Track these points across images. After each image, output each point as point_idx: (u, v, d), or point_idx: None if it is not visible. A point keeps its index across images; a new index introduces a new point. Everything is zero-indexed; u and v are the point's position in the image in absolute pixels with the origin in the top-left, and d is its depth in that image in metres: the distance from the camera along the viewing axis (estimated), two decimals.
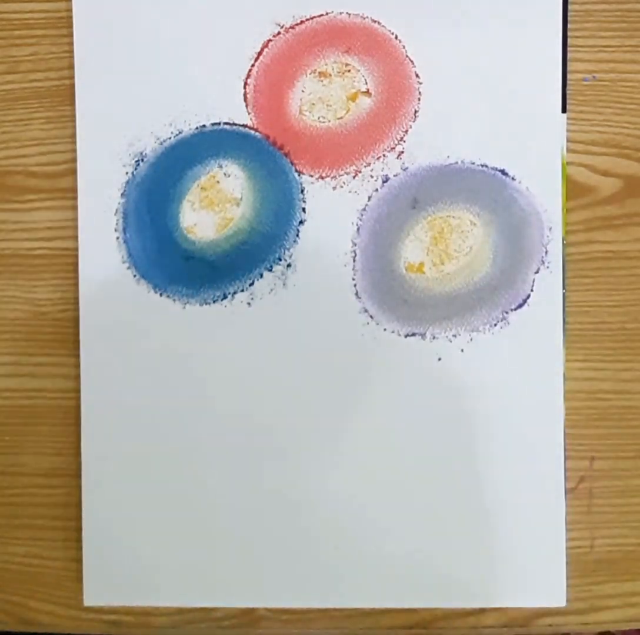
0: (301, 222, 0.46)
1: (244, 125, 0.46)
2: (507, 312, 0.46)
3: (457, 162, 0.46)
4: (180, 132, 0.46)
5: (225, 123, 0.46)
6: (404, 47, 0.45)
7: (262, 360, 0.46)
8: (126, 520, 0.47)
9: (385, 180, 0.46)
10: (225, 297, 0.46)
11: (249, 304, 0.46)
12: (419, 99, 0.45)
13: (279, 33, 0.45)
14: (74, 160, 0.46)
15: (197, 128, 0.46)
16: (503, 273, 0.46)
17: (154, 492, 0.47)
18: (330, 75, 0.46)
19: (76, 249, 0.47)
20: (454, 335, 0.46)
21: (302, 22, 0.45)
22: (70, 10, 0.46)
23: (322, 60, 0.45)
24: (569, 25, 0.45)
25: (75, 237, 0.46)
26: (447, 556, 0.46)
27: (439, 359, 0.46)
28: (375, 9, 0.45)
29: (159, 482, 0.47)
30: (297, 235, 0.46)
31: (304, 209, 0.46)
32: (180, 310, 0.46)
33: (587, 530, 0.47)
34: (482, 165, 0.46)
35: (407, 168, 0.46)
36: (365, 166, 0.46)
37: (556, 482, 0.46)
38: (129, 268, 0.46)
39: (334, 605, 0.48)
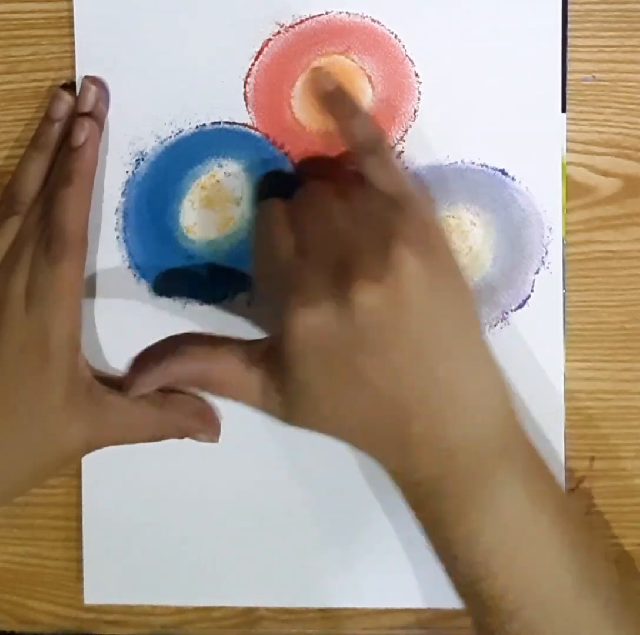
0: None
1: (244, 125, 0.46)
2: (507, 313, 0.46)
3: (457, 162, 0.46)
4: (180, 131, 0.46)
5: (226, 122, 0.46)
6: (403, 46, 0.45)
7: None
8: (126, 520, 0.47)
9: None
10: (225, 297, 0.46)
11: (249, 303, 0.46)
12: (419, 99, 0.45)
13: (279, 32, 0.45)
14: None
15: (197, 127, 0.46)
16: (503, 273, 0.46)
17: (154, 491, 0.47)
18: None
19: None
20: None
21: (302, 21, 0.45)
22: (70, 10, 0.46)
23: (321, 60, 0.45)
24: (569, 25, 0.45)
25: None
26: None
27: None
28: (375, 9, 0.45)
29: (159, 481, 0.47)
30: None
31: None
32: (180, 310, 0.46)
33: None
34: (482, 165, 0.46)
35: (406, 168, 0.45)
36: None
37: None
38: (129, 267, 0.46)
39: (333, 605, 0.48)
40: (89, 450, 0.44)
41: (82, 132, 0.44)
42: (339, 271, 0.37)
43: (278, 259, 0.40)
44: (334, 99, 0.44)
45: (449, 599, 0.47)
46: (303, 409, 0.40)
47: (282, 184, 0.45)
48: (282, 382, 0.39)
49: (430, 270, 0.38)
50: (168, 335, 0.45)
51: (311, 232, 0.40)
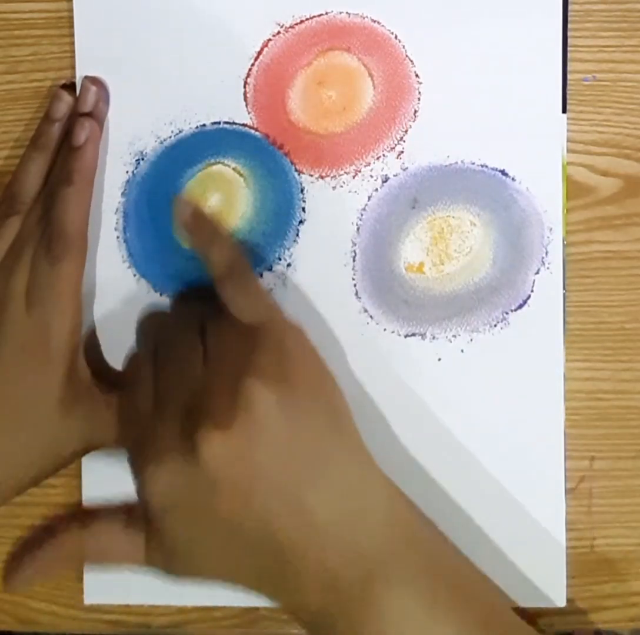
0: (301, 222, 0.46)
1: (244, 125, 0.46)
2: (507, 313, 0.46)
3: (457, 162, 0.46)
4: (180, 131, 0.46)
5: (226, 122, 0.46)
6: (403, 47, 0.45)
7: None
8: None
9: (385, 180, 0.46)
10: None
11: None
12: (419, 99, 0.45)
13: (279, 32, 0.45)
14: None
15: (197, 127, 0.46)
16: (503, 273, 0.46)
17: None
18: None
19: None
20: (454, 336, 0.46)
21: (302, 21, 0.45)
22: (70, 10, 0.46)
23: (323, 57, 0.45)
24: (569, 25, 0.45)
25: None
26: None
27: (439, 359, 0.46)
28: (375, 9, 0.45)
29: None
30: (297, 235, 0.46)
31: (303, 209, 0.46)
32: None
33: (587, 530, 0.47)
34: (482, 165, 0.46)
35: (406, 168, 0.46)
36: (365, 166, 0.46)
37: (556, 482, 0.46)
38: (129, 267, 0.46)
39: None
40: (88, 450, 0.44)
41: (83, 132, 0.44)
42: (187, 421, 0.37)
43: (137, 414, 0.39)
44: (194, 226, 0.44)
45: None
46: (181, 559, 0.39)
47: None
48: (158, 536, 0.39)
49: (285, 401, 0.37)
50: None
51: (167, 382, 0.39)
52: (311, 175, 0.46)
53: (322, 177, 0.46)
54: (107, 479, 0.47)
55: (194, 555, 0.39)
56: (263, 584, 0.39)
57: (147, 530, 0.40)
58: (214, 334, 0.39)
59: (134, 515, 0.40)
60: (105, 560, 0.41)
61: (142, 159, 0.46)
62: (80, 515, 0.42)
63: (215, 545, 0.38)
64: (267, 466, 0.36)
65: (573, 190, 0.46)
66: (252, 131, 0.46)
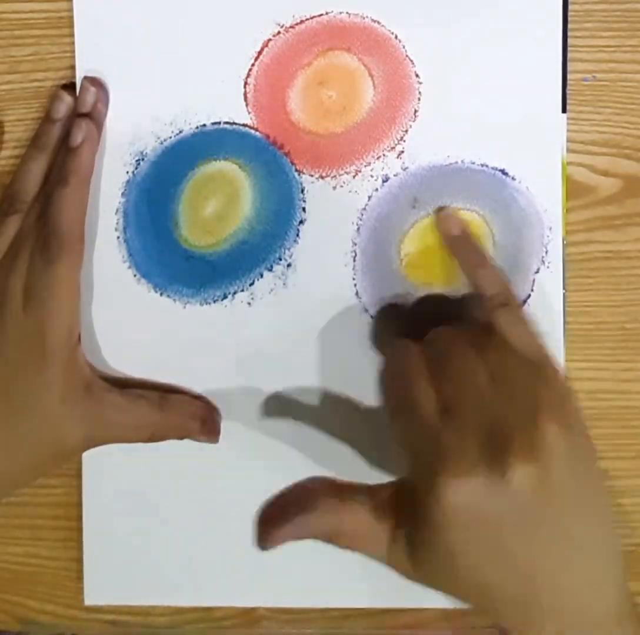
0: (301, 222, 0.46)
1: (244, 125, 0.46)
2: None
3: (457, 162, 0.46)
4: (180, 132, 0.46)
5: (226, 122, 0.46)
6: (404, 47, 0.45)
7: (262, 360, 0.46)
8: (126, 520, 0.47)
9: (385, 179, 0.46)
10: (225, 297, 0.46)
11: (249, 303, 0.46)
12: (419, 99, 0.45)
13: (279, 33, 0.45)
14: None
15: (197, 127, 0.46)
16: (503, 273, 0.46)
17: (154, 491, 0.47)
18: None
19: None
20: None
21: (302, 21, 0.45)
22: (70, 10, 0.46)
23: (325, 57, 0.45)
24: (569, 25, 0.45)
25: None
26: None
27: None
28: (375, 9, 0.45)
29: (159, 481, 0.47)
30: (297, 235, 0.46)
31: (304, 209, 0.46)
32: (181, 310, 0.46)
33: None
34: (482, 165, 0.46)
35: (407, 167, 0.46)
36: (365, 166, 0.46)
37: None
38: (129, 267, 0.46)
39: (333, 605, 0.48)
40: (87, 447, 0.44)
41: (80, 133, 0.44)
42: (491, 442, 0.36)
43: (419, 414, 0.38)
44: (460, 244, 0.45)
45: (449, 599, 0.47)
46: (434, 570, 0.38)
47: (403, 319, 0.46)
48: (414, 538, 0.38)
49: (572, 447, 0.37)
50: (167, 335, 0.45)
51: (455, 391, 0.38)
52: (311, 175, 0.46)
53: (322, 177, 0.46)
54: (107, 479, 0.47)
55: (450, 570, 0.38)
56: (502, 611, 0.38)
57: (399, 524, 0.38)
58: (494, 353, 0.39)
59: (380, 504, 0.39)
60: (353, 544, 0.39)
61: (142, 159, 0.46)
62: (336, 488, 0.39)
63: (477, 566, 0.37)
64: (554, 504, 0.36)
65: (573, 190, 0.46)
66: (252, 131, 0.46)
